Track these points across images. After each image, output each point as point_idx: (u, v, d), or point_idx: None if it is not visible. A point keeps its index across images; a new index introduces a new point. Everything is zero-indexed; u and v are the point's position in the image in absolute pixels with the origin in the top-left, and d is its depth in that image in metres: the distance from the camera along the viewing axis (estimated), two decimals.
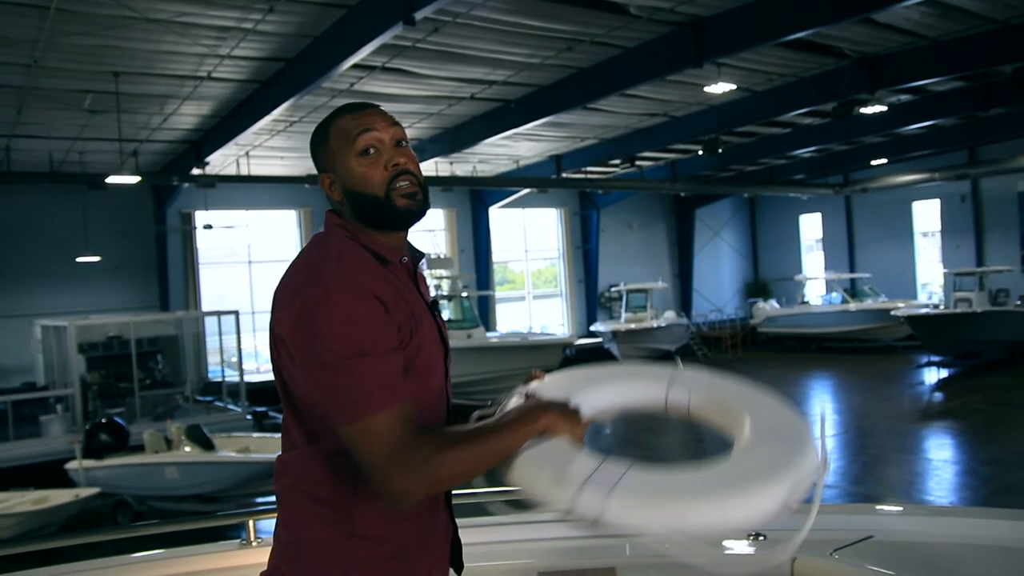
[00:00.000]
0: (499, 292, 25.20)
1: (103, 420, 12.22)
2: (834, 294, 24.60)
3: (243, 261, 20.87)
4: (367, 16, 9.68)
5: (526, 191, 22.19)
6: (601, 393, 1.69)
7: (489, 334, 18.90)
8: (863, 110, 14.75)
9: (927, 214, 25.56)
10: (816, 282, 26.49)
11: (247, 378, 15.67)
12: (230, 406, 15.31)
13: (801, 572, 2.12)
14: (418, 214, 1.62)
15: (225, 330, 16.49)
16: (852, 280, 25.44)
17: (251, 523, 2.50)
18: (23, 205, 17.32)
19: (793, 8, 10.67)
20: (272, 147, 16.71)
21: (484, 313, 21.80)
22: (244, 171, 17.51)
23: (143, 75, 11.86)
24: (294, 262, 1.55)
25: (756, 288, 29.14)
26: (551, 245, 26.66)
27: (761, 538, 2.27)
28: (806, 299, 25.77)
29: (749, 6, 10.78)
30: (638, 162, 21.29)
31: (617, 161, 20.76)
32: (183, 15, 9.70)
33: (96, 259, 17.68)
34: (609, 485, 1.36)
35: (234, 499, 10.90)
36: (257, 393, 15.39)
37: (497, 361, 16.22)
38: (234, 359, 16.63)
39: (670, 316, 23.19)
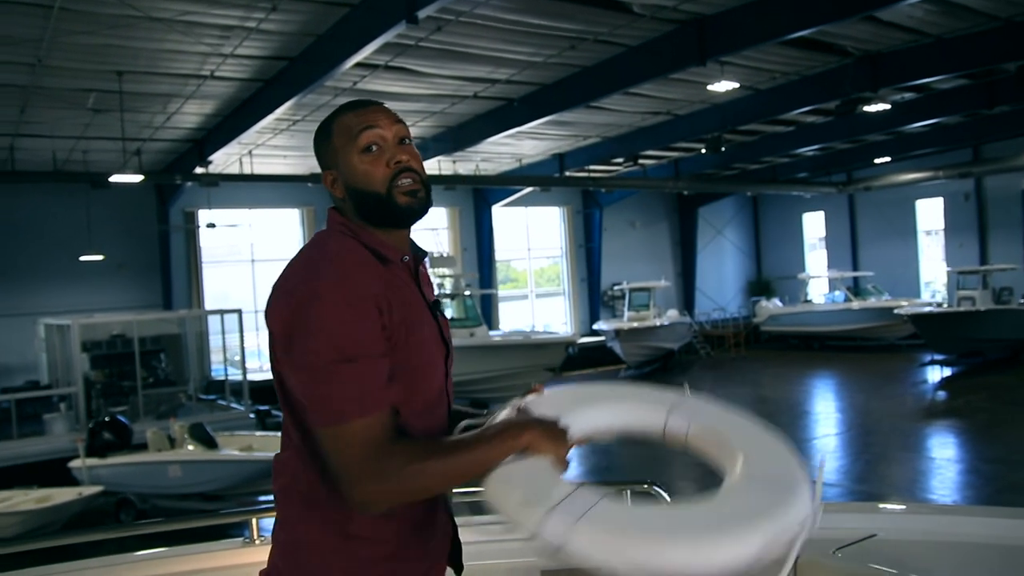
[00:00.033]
0: (502, 291, 25.21)
1: (106, 419, 12.24)
2: (837, 293, 24.57)
3: (246, 260, 20.89)
4: (370, 15, 9.69)
5: (529, 189, 22.18)
6: (598, 413, 1.65)
7: (492, 333, 18.91)
8: (866, 108, 14.72)
9: (930, 212, 25.51)
10: (819, 280, 26.45)
11: (250, 377, 15.68)
12: (233, 405, 15.33)
13: (804, 571, 2.12)
14: (420, 212, 1.61)
15: (228, 329, 16.51)
16: (855, 278, 25.43)
17: (254, 521, 2.50)
18: (27, 204, 17.35)
19: (796, 6, 10.66)
20: (275, 146, 16.72)
21: (487, 312, 21.80)
22: (247, 170, 17.51)
23: (146, 74, 11.87)
24: (292, 260, 1.55)
25: (759, 287, 29.12)
26: (554, 244, 26.66)
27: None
28: (809, 298, 25.72)
29: (752, 4, 10.76)
30: (641, 160, 21.27)
31: (620, 159, 20.75)
32: (186, 14, 9.70)
33: (100, 258, 17.71)
34: (578, 514, 1.32)
35: (237, 497, 10.91)
36: (260, 392, 15.41)
37: (500, 360, 16.23)
38: (237, 358, 16.65)
39: (673, 315, 23.16)
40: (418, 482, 1.43)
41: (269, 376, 1.64)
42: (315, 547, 1.53)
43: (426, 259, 1.74)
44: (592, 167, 21.43)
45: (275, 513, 1.62)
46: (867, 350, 23.63)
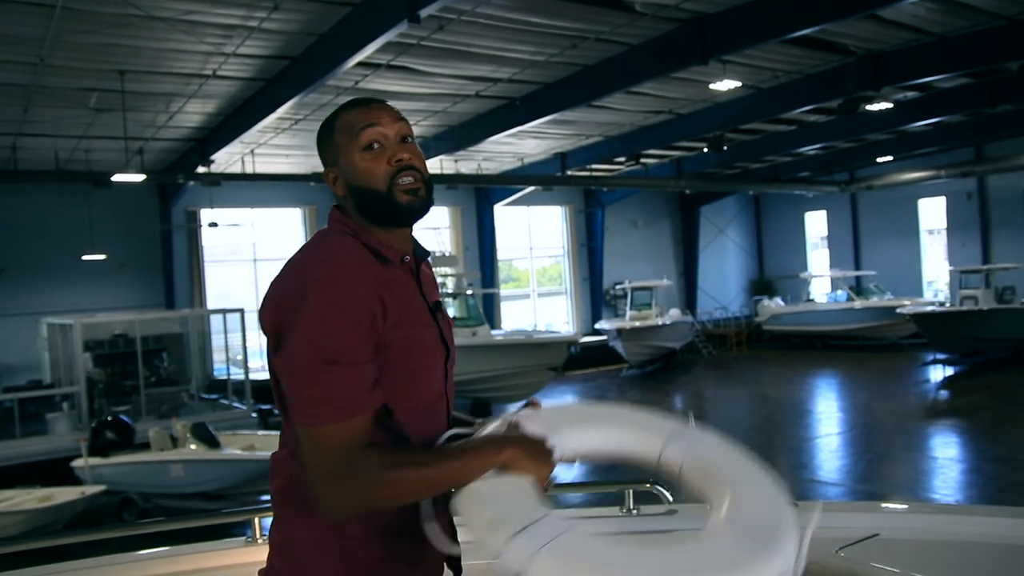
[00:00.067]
0: (504, 290, 25.20)
1: (109, 418, 12.25)
2: (839, 292, 24.57)
3: (248, 259, 20.91)
4: (372, 14, 9.69)
5: (531, 189, 22.18)
6: (592, 434, 1.62)
7: (494, 332, 18.89)
8: (869, 107, 14.72)
9: (933, 211, 25.48)
10: (821, 280, 26.44)
11: (252, 376, 15.69)
12: (235, 404, 15.34)
13: (807, 570, 2.12)
14: (421, 211, 1.60)
15: (230, 328, 16.52)
16: (857, 278, 25.41)
17: (256, 521, 2.50)
18: (29, 203, 17.37)
19: (798, 5, 10.64)
20: (277, 145, 16.73)
21: (489, 311, 21.79)
22: (249, 169, 17.52)
23: (148, 73, 11.87)
24: (290, 258, 1.54)
25: (761, 286, 29.10)
26: (556, 243, 26.65)
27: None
28: (811, 297, 25.72)
29: (754, 3, 10.75)
30: (643, 160, 21.26)
31: (622, 159, 20.75)
32: (188, 13, 9.71)
33: (102, 257, 17.73)
34: (543, 541, 1.29)
35: (239, 497, 10.92)
36: (262, 391, 15.39)
37: (502, 359, 16.21)
38: (239, 357, 16.66)
39: (675, 314, 23.15)
40: (389, 491, 1.42)
41: None
42: (310, 547, 1.52)
43: (428, 259, 1.73)
44: (594, 166, 21.42)
45: (271, 512, 1.62)
46: (869, 349, 23.62)
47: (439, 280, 17.83)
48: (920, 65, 13.26)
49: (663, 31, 11.70)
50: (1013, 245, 22.74)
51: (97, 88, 12.22)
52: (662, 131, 17.97)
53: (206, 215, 19.44)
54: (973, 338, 19.27)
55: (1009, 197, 23.12)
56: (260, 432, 13.17)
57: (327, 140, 1.63)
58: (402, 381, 1.52)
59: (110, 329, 16.33)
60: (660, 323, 21.68)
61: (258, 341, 17.62)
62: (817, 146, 20.96)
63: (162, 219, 19.12)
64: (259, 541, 2.45)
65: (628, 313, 22.74)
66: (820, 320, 24.56)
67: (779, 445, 13.33)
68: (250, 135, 14.57)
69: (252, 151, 16.84)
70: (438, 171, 18.80)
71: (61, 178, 16.22)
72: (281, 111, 12.92)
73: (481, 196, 23.91)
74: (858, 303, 23.54)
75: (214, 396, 16.56)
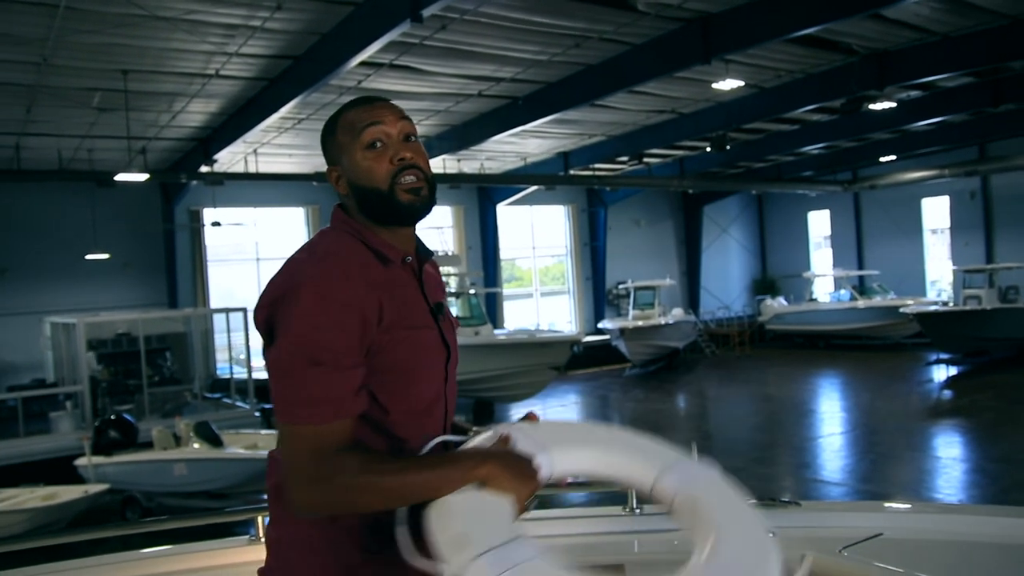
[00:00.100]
0: (507, 289, 25.20)
1: (112, 417, 12.27)
2: (842, 291, 24.55)
3: (251, 258, 20.93)
4: (374, 13, 9.69)
5: (534, 188, 22.18)
6: (586, 454, 1.57)
7: (497, 331, 18.89)
8: (872, 106, 14.70)
9: (936, 211, 25.45)
10: (824, 279, 26.43)
11: (255, 375, 15.71)
12: (238, 403, 15.36)
13: (810, 569, 2.11)
14: (422, 210, 1.59)
15: (233, 327, 16.54)
16: (860, 277, 25.39)
17: (259, 519, 2.50)
18: (33, 203, 17.41)
19: (802, 4, 10.62)
20: (280, 144, 16.74)
21: (492, 310, 21.80)
22: (252, 168, 17.54)
23: (151, 73, 11.89)
24: (289, 256, 1.54)
25: (764, 285, 29.09)
26: (559, 242, 26.65)
27: (770, 536, 2.26)
28: (814, 296, 25.71)
29: (758, 2, 10.74)
30: (646, 159, 21.24)
31: (625, 158, 20.73)
32: (191, 13, 9.71)
33: (105, 256, 17.75)
34: (505, 567, 1.27)
35: (242, 495, 10.93)
36: (265, 390, 15.37)
37: (505, 358, 16.21)
38: (242, 356, 16.69)
39: (678, 313, 23.15)
40: (360, 496, 1.41)
41: None
42: (302, 546, 1.52)
43: (432, 259, 1.71)
44: (597, 165, 21.41)
45: (268, 511, 1.62)
46: (872, 349, 23.60)
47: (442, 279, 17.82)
48: (923, 64, 13.24)
49: (666, 30, 11.69)
50: (1016, 244, 22.70)
51: (100, 88, 12.23)
52: (665, 130, 17.96)
53: (209, 214, 19.46)
54: (976, 338, 19.25)
55: (1012, 196, 23.07)
56: (263, 431, 13.19)
57: (330, 138, 1.63)
58: (400, 382, 1.51)
59: (113, 328, 16.37)
60: (663, 322, 21.68)
61: (260, 340, 17.67)
62: (820, 145, 20.94)
63: (165, 218, 19.14)
64: (262, 540, 2.45)
65: (631, 312, 22.75)
66: (823, 320, 24.54)
67: (782, 445, 13.32)
68: (253, 135, 14.58)
69: (255, 151, 16.85)
70: (441, 171, 18.80)
71: (64, 178, 16.24)
72: (284, 111, 12.92)
73: (484, 195, 23.91)
74: (861, 303, 23.52)
75: (217, 395, 16.59)
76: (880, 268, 25.27)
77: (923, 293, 24.94)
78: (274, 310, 1.45)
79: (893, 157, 22.54)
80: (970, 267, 21.26)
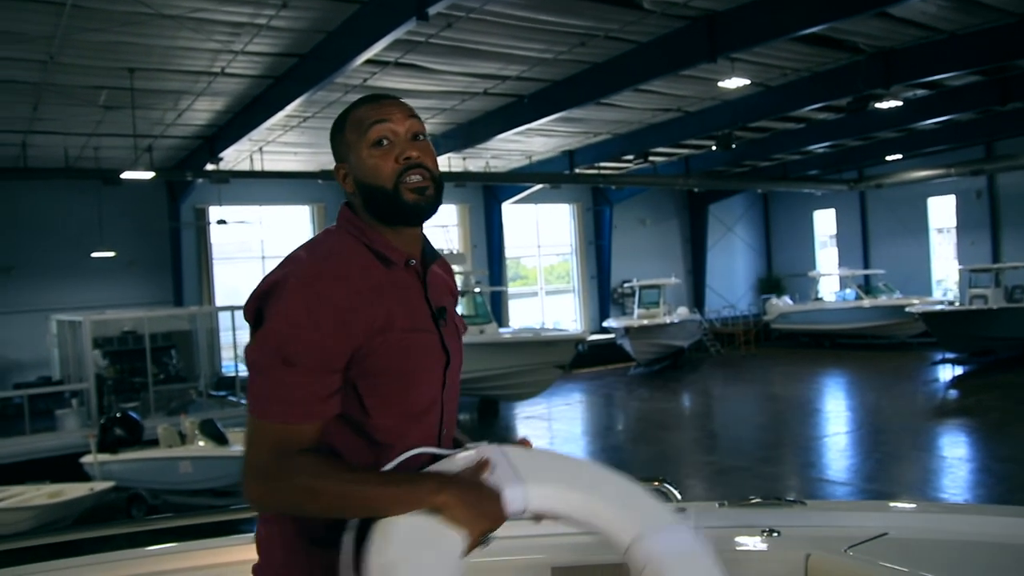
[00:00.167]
0: (512, 288, 25.22)
1: (118, 414, 12.31)
2: (848, 290, 24.49)
3: (256, 256, 20.95)
4: (380, 11, 9.69)
5: (539, 187, 22.18)
6: (565, 495, 1.46)
7: (502, 330, 18.90)
8: (878, 105, 14.67)
9: (942, 210, 25.39)
10: (830, 278, 26.39)
11: None
12: (243, 401, 15.36)
13: (815, 569, 2.11)
14: (427, 210, 1.56)
15: (238, 325, 16.56)
16: (866, 276, 25.35)
17: None
18: (39, 201, 17.46)
19: (808, 2, 10.61)
20: (285, 143, 16.77)
21: (497, 309, 21.80)
22: (257, 167, 17.57)
23: (158, 71, 11.91)
24: (289, 253, 1.54)
25: (769, 284, 29.05)
26: (564, 241, 26.65)
27: (775, 535, 2.26)
28: (820, 295, 25.67)
29: (764, 0, 10.72)
30: (651, 158, 21.23)
31: (630, 157, 20.73)
32: (197, 11, 9.73)
33: (111, 254, 17.80)
34: None
35: None
36: None
37: (510, 357, 16.22)
38: None
39: (683, 312, 23.12)
40: (309, 500, 1.38)
41: None
42: (283, 546, 1.52)
43: (439, 260, 1.70)
44: (602, 164, 21.41)
45: None
46: (878, 348, 23.55)
47: None
48: (930, 63, 13.20)
49: (672, 29, 11.68)
50: (1023, 244, 22.64)
51: (106, 86, 12.26)
52: (670, 129, 17.95)
53: (215, 212, 19.50)
54: (982, 337, 19.20)
55: (1019, 195, 23.00)
56: None
57: (339, 135, 1.61)
58: (392, 385, 1.49)
59: (119, 326, 16.42)
60: (668, 321, 21.66)
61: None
62: (826, 144, 20.90)
63: (171, 216, 19.19)
64: None
65: (636, 311, 22.73)
66: (828, 319, 24.49)
67: (787, 444, 13.31)
68: (258, 133, 14.61)
69: (260, 149, 16.88)
70: (446, 169, 18.81)
71: (70, 176, 16.30)
72: (289, 109, 12.94)
73: (489, 194, 23.92)
74: (867, 302, 23.46)
75: (222, 393, 16.63)
76: (886, 267, 25.22)
77: (929, 292, 24.89)
78: (262, 304, 1.46)
79: (899, 156, 22.49)
80: (976, 266, 21.18)
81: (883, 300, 23.37)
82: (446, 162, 18.81)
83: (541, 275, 26.66)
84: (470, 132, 16.66)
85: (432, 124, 16.13)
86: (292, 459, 1.39)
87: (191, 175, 16.79)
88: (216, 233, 20.04)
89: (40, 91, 12.28)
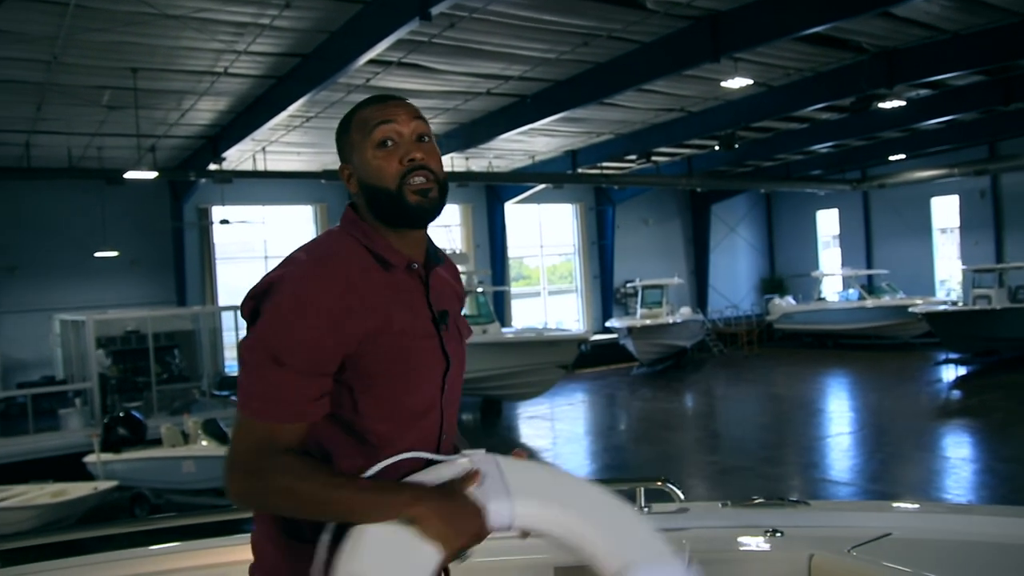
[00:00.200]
0: (514, 288, 25.22)
1: (121, 414, 12.33)
2: (851, 291, 24.47)
3: (259, 256, 20.99)
4: (383, 11, 9.69)
5: (541, 186, 22.18)
6: (553, 515, 1.42)
7: (505, 330, 18.90)
8: (881, 105, 14.65)
9: (946, 210, 25.35)
10: (833, 278, 26.35)
11: None
12: None
13: (819, 569, 2.11)
14: (431, 212, 1.55)
15: (241, 325, 16.44)
16: (869, 276, 25.31)
17: None
18: (43, 201, 17.49)
19: (811, 2, 10.59)
20: (288, 143, 16.78)
21: (499, 309, 21.80)
22: (260, 167, 17.59)
23: (161, 71, 11.92)
24: (290, 253, 1.54)
25: (772, 284, 29.04)
26: (566, 241, 26.64)
27: (778, 535, 2.26)
28: (823, 295, 25.63)
29: (767, 0, 10.71)
30: (654, 158, 21.22)
31: (633, 157, 20.71)
32: (200, 11, 9.74)
33: (114, 254, 17.82)
34: None
35: None
36: None
37: (513, 357, 16.22)
38: None
39: (686, 312, 23.12)
40: (286, 501, 1.38)
41: None
42: (273, 546, 1.52)
43: (444, 264, 1.68)
44: (605, 164, 21.40)
45: None
46: (881, 348, 23.52)
47: None
48: (933, 62, 13.18)
49: (675, 29, 11.67)
50: None
51: (110, 86, 12.28)
52: (673, 129, 17.94)
53: (217, 212, 19.53)
54: (986, 337, 19.17)
55: (1023, 195, 22.96)
56: None
57: (344, 136, 1.60)
58: (386, 388, 1.48)
59: (122, 326, 16.43)
60: (671, 321, 21.65)
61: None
62: (829, 144, 20.88)
63: (174, 216, 19.20)
64: None
65: (639, 311, 22.72)
66: (831, 319, 24.47)
67: (790, 444, 13.30)
68: (261, 133, 14.62)
69: (263, 148, 16.90)
70: (449, 169, 18.80)
71: (74, 175, 16.32)
72: (292, 109, 12.95)
73: (492, 194, 23.93)
74: (870, 302, 23.44)
75: (225, 393, 16.60)
76: (889, 267, 25.19)
77: (932, 293, 24.85)
78: (258, 302, 1.46)
79: (902, 156, 22.45)
80: (980, 266, 21.16)
81: (886, 300, 23.34)
82: (449, 162, 18.81)
83: (544, 275, 26.67)
84: (473, 132, 16.66)
85: (435, 124, 16.13)
86: (274, 458, 1.39)
87: (194, 175, 16.80)
88: (219, 233, 20.06)
89: (43, 91, 12.30)
